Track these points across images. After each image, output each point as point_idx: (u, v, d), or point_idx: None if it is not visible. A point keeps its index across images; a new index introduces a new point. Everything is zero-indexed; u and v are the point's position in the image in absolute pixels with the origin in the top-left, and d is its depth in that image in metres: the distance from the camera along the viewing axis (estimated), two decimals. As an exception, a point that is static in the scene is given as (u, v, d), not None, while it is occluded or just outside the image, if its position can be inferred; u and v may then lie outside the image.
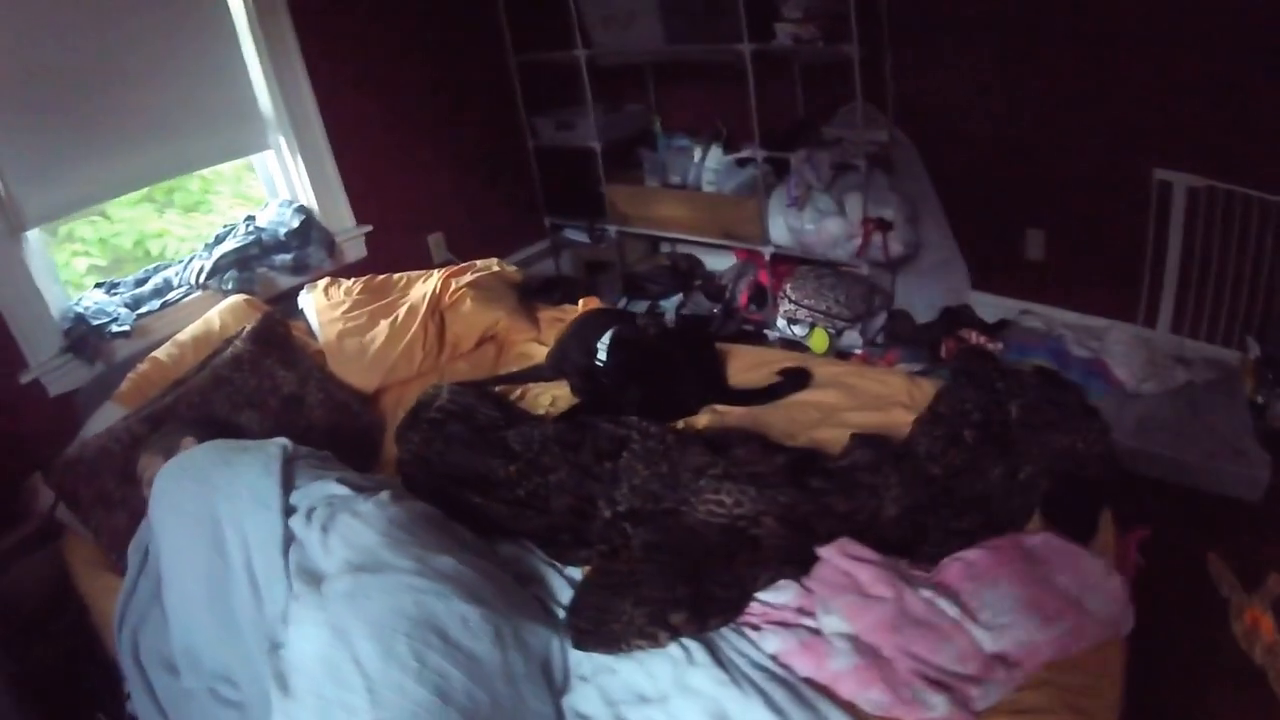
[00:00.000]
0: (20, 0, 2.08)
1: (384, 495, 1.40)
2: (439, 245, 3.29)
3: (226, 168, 2.79)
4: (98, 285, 2.45)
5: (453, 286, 2.40)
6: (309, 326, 2.37)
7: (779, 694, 1.15)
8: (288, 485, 1.42)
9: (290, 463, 1.47)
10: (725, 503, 1.45)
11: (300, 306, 2.42)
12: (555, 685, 1.26)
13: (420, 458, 1.80)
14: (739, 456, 1.54)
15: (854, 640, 1.21)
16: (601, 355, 2.04)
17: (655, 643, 1.23)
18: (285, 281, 2.65)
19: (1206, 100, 2.23)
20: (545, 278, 3.60)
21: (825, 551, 1.34)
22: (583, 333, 2.15)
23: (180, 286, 2.51)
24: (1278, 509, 2.03)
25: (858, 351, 2.88)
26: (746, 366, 2.12)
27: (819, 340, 2.90)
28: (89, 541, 1.80)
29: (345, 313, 2.33)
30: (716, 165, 3.06)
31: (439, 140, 3.21)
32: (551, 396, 2.12)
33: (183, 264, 2.55)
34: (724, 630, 1.28)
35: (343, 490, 1.41)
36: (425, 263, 2.92)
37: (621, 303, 3.37)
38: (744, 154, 2.95)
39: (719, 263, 3.52)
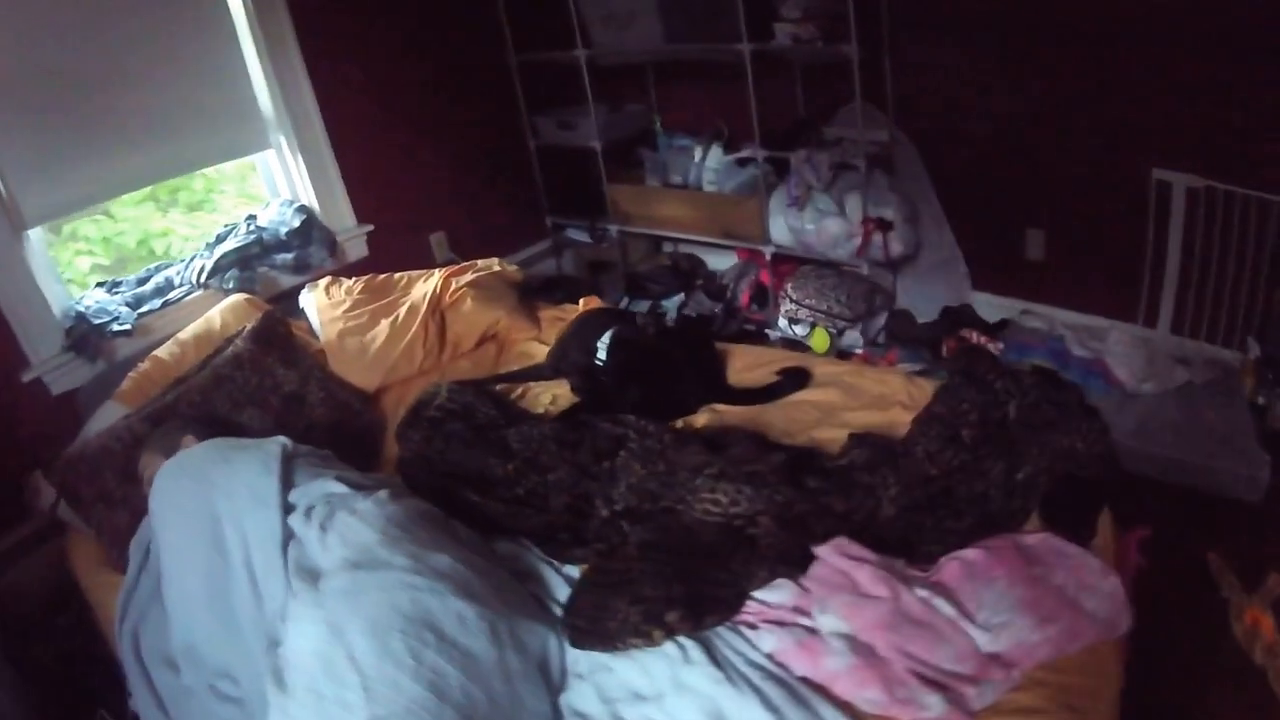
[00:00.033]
0: (20, 0, 2.09)
1: (382, 494, 1.40)
2: (441, 245, 3.29)
3: (230, 166, 2.80)
4: (99, 284, 2.46)
5: (453, 286, 2.41)
6: (310, 325, 2.38)
7: (775, 693, 1.15)
8: (287, 483, 1.43)
9: (290, 461, 1.48)
10: (721, 501, 1.45)
11: (301, 306, 2.42)
12: (552, 683, 1.26)
13: (421, 456, 1.81)
14: (736, 456, 1.54)
15: (850, 639, 1.21)
16: (601, 355, 2.05)
17: (650, 641, 1.23)
18: (286, 281, 2.66)
19: (1206, 100, 2.23)
20: (547, 277, 3.61)
21: (822, 551, 1.34)
22: (583, 332, 2.16)
23: (181, 285, 2.52)
24: (1278, 509, 2.03)
25: (859, 351, 2.88)
26: (746, 366, 2.12)
27: (820, 340, 2.90)
28: (91, 539, 1.81)
29: (346, 312, 2.33)
30: (717, 165, 3.06)
31: (440, 140, 3.22)
32: (551, 395, 2.12)
33: (184, 263, 2.56)
34: (720, 629, 1.28)
35: (341, 488, 1.42)
36: (427, 262, 2.93)
37: (623, 302, 3.37)
38: (744, 154, 2.96)
39: (721, 262, 3.52)
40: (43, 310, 2.21)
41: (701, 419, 1.91)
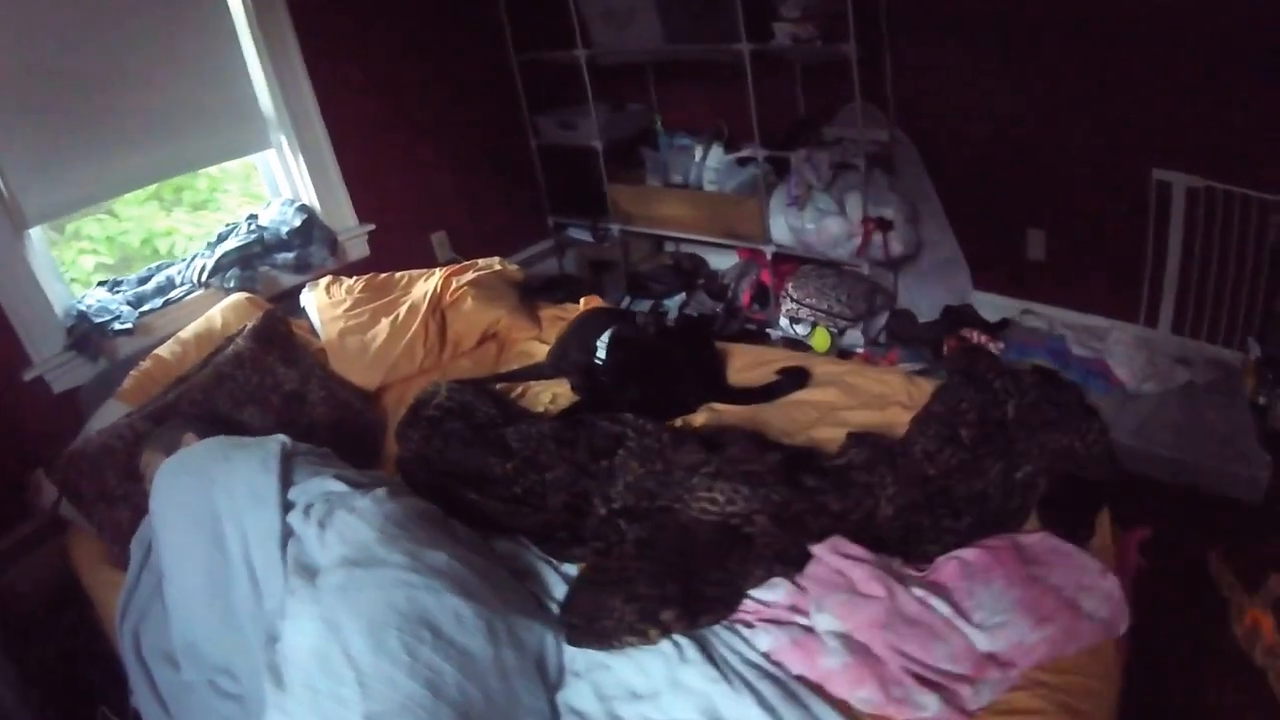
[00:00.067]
0: (21, 0, 2.10)
1: (381, 492, 1.40)
2: (443, 244, 3.30)
3: (234, 166, 2.81)
4: (100, 283, 2.47)
5: (454, 285, 2.41)
6: (311, 324, 2.38)
7: (771, 691, 1.15)
8: (286, 481, 1.43)
9: (289, 459, 1.48)
10: (718, 500, 1.45)
11: (302, 304, 2.43)
12: (549, 681, 1.26)
13: (420, 455, 1.81)
14: (733, 455, 1.54)
15: (846, 638, 1.21)
16: (600, 353, 2.05)
17: (646, 639, 1.23)
18: (288, 280, 2.67)
19: (1206, 100, 2.22)
20: (549, 276, 3.61)
21: (818, 549, 1.34)
22: (583, 331, 2.16)
23: (183, 284, 2.53)
24: (1278, 510, 2.02)
25: (860, 351, 2.88)
26: (746, 365, 2.12)
27: (821, 339, 2.90)
28: (92, 537, 1.81)
29: (347, 311, 2.34)
30: (717, 164, 3.07)
31: (441, 139, 3.22)
32: (551, 394, 2.12)
33: (185, 262, 2.57)
34: (717, 627, 1.29)
35: (340, 487, 1.42)
36: (429, 262, 2.93)
37: (625, 302, 3.38)
38: (745, 153, 2.96)
39: (722, 262, 3.52)
40: (44, 309, 2.22)
41: (700, 418, 1.91)
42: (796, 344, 2.93)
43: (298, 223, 2.68)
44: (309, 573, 1.26)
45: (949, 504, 1.47)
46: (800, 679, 1.20)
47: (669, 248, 3.76)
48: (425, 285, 2.42)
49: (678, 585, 1.29)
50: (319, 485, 1.43)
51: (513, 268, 2.62)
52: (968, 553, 1.31)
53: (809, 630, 1.25)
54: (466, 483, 1.68)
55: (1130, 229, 2.51)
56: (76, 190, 2.29)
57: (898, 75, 2.78)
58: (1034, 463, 1.49)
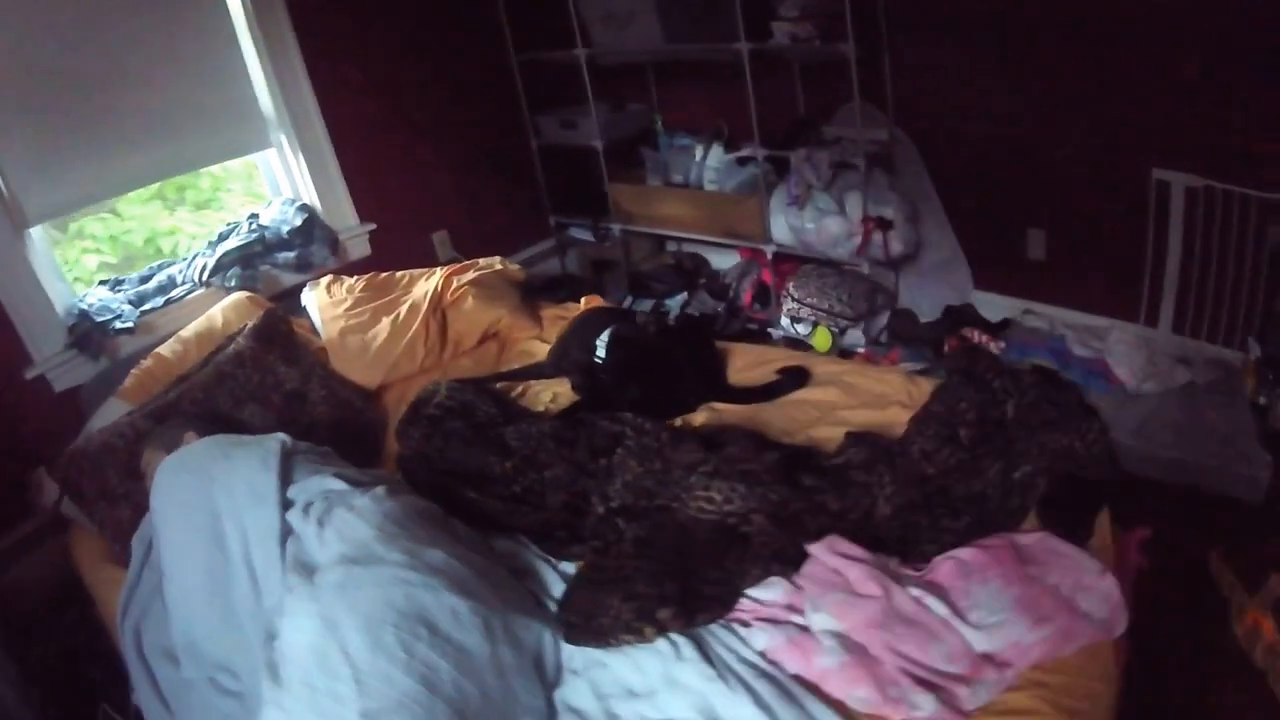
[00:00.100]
0: (21, 0, 2.11)
1: (380, 490, 1.41)
2: (444, 244, 3.30)
3: (237, 165, 2.81)
4: (102, 282, 2.48)
5: (454, 284, 2.42)
6: (312, 323, 2.39)
7: (767, 691, 1.15)
8: (286, 480, 1.44)
9: (289, 457, 1.49)
10: (715, 499, 1.45)
11: (303, 303, 2.43)
12: (547, 678, 1.27)
13: (420, 454, 1.81)
14: (731, 454, 1.54)
15: (842, 638, 1.21)
16: (600, 352, 2.05)
17: (642, 638, 1.24)
18: (289, 279, 2.67)
19: (1206, 100, 2.22)
20: (551, 276, 3.62)
21: (815, 549, 1.34)
22: (583, 330, 2.16)
23: (184, 283, 2.53)
24: (1279, 510, 2.02)
25: (861, 350, 2.88)
26: (746, 365, 2.12)
27: (822, 339, 2.90)
28: (94, 535, 1.82)
29: (348, 310, 2.34)
30: (718, 164, 3.07)
31: (442, 139, 3.23)
32: (552, 393, 2.13)
33: (186, 261, 2.57)
34: (713, 626, 1.29)
35: (340, 485, 1.43)
36: (431, 261, 2.94)
37: (627, 301, 3.38)
38: (744, 153, 2.96)
39: (724, 261, 3.52)
40: (45, 308, 2.22)
41: (700, 417, 1.91)
42: (798, 344, 2.93)
43: (299, 222, 2.68)
44: (307, 570, 1.26)
45: (947, 504, 1.46)
46: (796, 678, 1.20)
47: (671, 247, 3.76)
48: (426, 284, 2.43)
49: (675, 584, 1.29)
50: (318, 483, 1.43)
51: (514, 267, 2.62)
52: (965, 552, 1.31)
53: (805, 630, 1.25)
54: (466, 481, 1.68)
55: (1130, 229, 2.51)
56: (76, 190, 2.29)
57: (897, 75, 2.78)
58: (1033, 463, 1.49)
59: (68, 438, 1.94)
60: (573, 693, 1.25)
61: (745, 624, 1.29)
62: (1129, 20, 2.26)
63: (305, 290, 2.46)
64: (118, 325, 2.28)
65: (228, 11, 2.55)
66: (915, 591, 1.25)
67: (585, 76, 3.09)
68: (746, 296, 3.23)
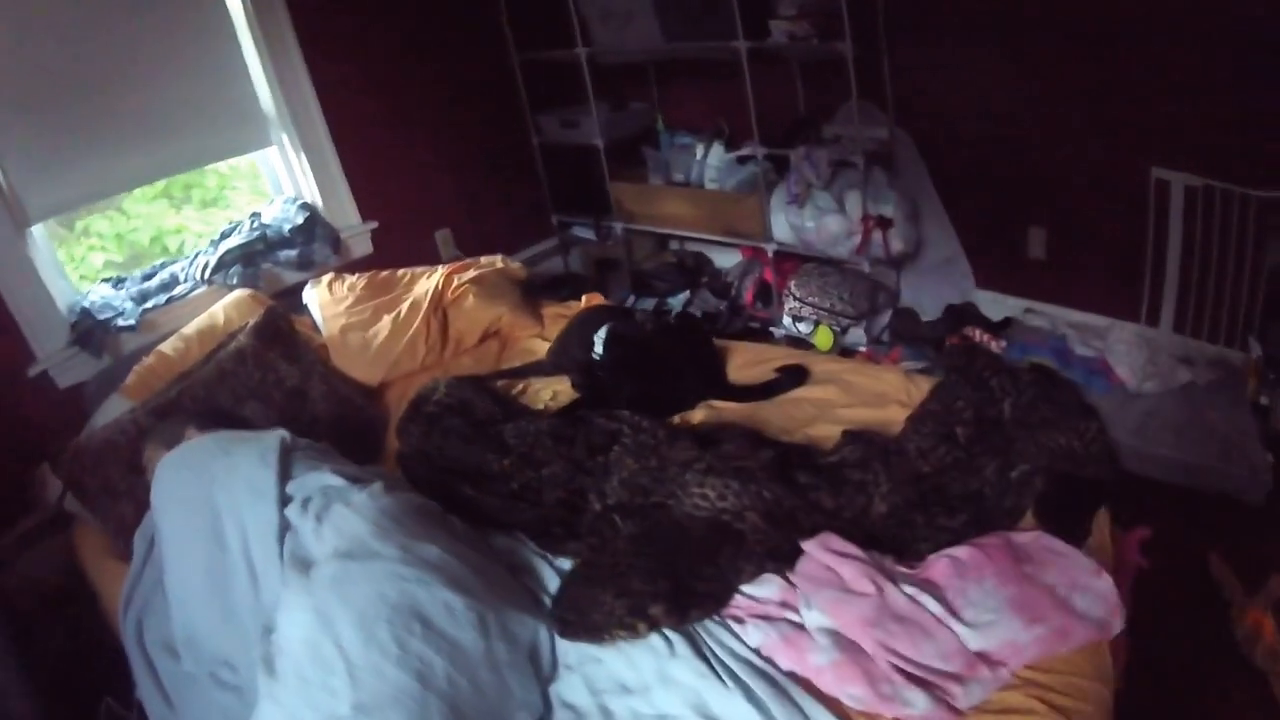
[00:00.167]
0: (21, 0, 2.12)
1: (377, 486, 1.41)
2: (446, 242, 3.31)
3: (243, 164, 2.82)
4: (104, 280, 2.49)
5: (455, 283, 2.42)
6: (313, 321, 2.40)
7: (760, 687, 1.16)
8: (285, 476, 1.44)
9: (288, 454, 1.49)
10: (709, 496, 1.45)
11: (305, 301, 2.44)
12: (543, 673, 1.27)
13: (420, 451, 1.82)
14: (726, 451, 1.55)
15: (835, 635, 1.21)
16: (598, 350, 2.06)
17: (635, 634, 1.24)
18: (290, 277, 2.68)
19: (1206, 100, 2.22)
20: (553, 275, 3.62)
21: (808, 546, 1.35)
22: (583, 329, 2.17)
23: (186, 281, 2.54)
24: (1279, 510, 2.01)
25: (863, 349, 2.88)
26: (746, 363, 2.12)
27: (823, 338, 2.90)
28: (97, 530, 1.83)
29: (349, 308, 2.35)
30: (718, 163, 3.07)
31: (443, 138, 3.23)
32: (552, 391, 2.13)
33: (189, 259, 2.58)
34: (707, 623, 1.29)
35: (338, 481, 1.43)
36: (433, 259, 2.95)
37: (629, 300, 3.38)
38: (745, 151, 2.96)
39: (727, 260, 3.52)
40: (48, 305, 2.24)
41: (698, 415, 1.91)
42: (800, 342, 2.92)
43: (300, 220, 2.69)
44: (304, 565, 1.27)
45: (944, 502, 1.46)
46: (790, 675, 1.20)
47: (673, 246, 3.76)
48: (427, 283, 2.43)
49: (669, 580, 1.30)
50: (317, 480, 1.44)
51: (515, 265, 2.63)
52: (959, 550, 1.31)
53: (799, 627, 1.26)
54: (465, 478, 1.69)
55: (1130, 228, 2.50)
56: (77, 188, 2.30)
57: (896, 73, 2.78)
58: (1031, 461, 1.49)
59: (71, 434, 1.95)
60: (567, 688, 1.26)
61: (739, 621, 1.29)
62: (1129, 20, 2.25)
63: (307, 288, 2.47)
64: (120, 323, 2.29)
65: (228, 11, 2.56)
66: (909, 589, 1.25)
67: (586, 75, 3.10)
68: (748, 295, 3.23)
